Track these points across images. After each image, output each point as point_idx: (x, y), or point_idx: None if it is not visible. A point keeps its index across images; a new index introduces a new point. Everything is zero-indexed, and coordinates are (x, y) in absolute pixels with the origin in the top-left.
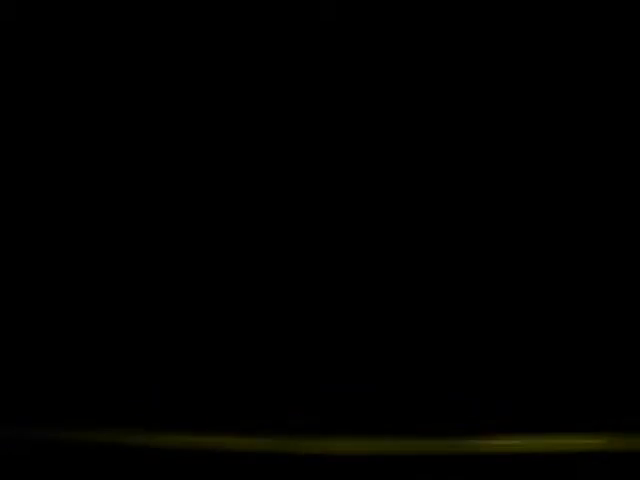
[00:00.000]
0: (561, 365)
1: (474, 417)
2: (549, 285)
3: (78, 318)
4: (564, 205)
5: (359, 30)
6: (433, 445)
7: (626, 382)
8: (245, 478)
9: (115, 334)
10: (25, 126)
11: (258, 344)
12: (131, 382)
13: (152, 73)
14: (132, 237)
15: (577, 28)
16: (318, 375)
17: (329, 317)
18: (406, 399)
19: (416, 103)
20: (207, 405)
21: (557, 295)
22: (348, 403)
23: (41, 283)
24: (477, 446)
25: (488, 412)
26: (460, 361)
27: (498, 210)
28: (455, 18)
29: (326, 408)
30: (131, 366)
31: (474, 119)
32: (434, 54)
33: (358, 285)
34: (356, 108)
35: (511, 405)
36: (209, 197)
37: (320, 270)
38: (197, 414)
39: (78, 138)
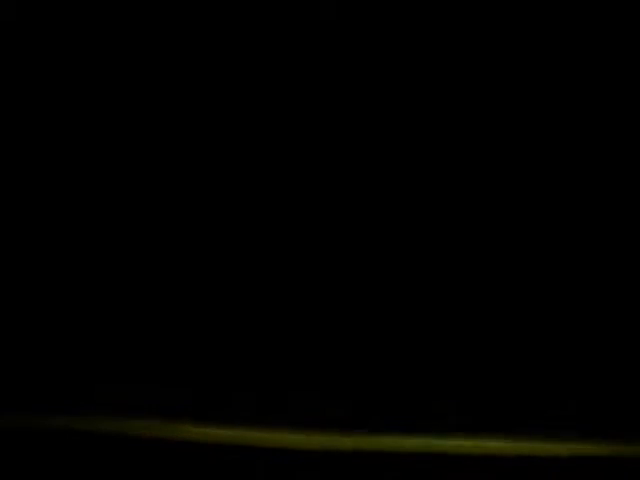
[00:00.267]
0: (554, 367)
1: (470, 417)
2: (543, 285)
3: (82, 309)
4: (564, 205)
5: (359, 29)
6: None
7: (618, 385)
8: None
9: (116, 328)
10: (25, 126)
11: (257, 340)
12: (132, 374)
13: (152, 73)
14: (132, 235)
15: (577, 28)
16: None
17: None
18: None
19: (417, 102)
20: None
21: (553, 294)
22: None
23: (43, 277)
24: (473, 447)
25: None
26: (459, 361)
27: (498, 209)
28: (456, 17)
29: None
30: (131, 358)
31: (474, 119)
32: (435, 53)
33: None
34: (356, 107)
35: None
36: (209, 196)
37: (315, 271)
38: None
39: (78, 138)
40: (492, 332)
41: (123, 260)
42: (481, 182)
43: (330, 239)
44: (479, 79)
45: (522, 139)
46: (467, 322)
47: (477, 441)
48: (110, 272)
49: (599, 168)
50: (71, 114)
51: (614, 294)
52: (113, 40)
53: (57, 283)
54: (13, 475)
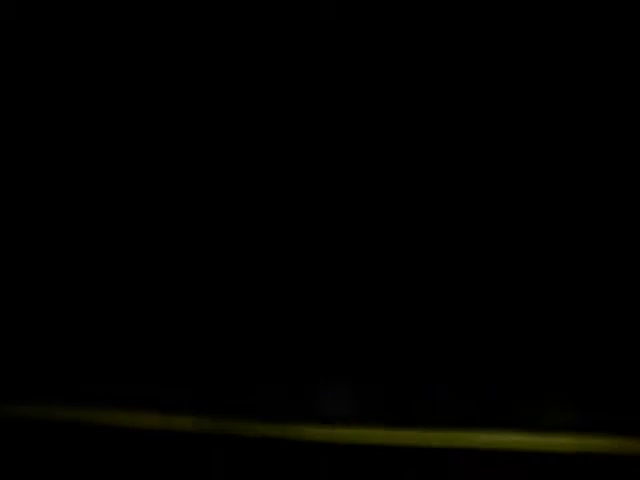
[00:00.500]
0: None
1: (472, 411)
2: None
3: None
4: (564, 205)
5: (359, 29)
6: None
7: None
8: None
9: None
10: (25, 125)
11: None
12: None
13: (152, 73)
14: (131, 233)
15: (577, 28)
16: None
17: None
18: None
19: (416, 102)
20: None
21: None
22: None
23: (46, 276)
24: (472, 440)
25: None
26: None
27: (497, 209)
28: (455, 17)
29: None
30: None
31: (474, 119)
32: (434, 53)
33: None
34: (356, 107)
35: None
36: (209, 195)
37: (313, 270)
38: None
39: (78, 137)
40: (497, 326)
41: (135, 257)
42: (481, 182)
43: (330, 239)
44: (479, 79)
45: (522, 139)
46: (472, 315)
47: (490, 435)
48: (124, 271)
49: (599, 168)
50: (71, 114)
51: (616, 291)
52: (113, 40)
53: (58, 284)
54: (20, 464)
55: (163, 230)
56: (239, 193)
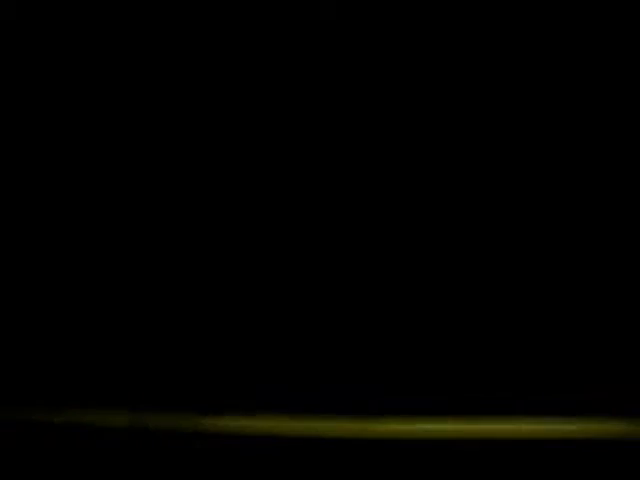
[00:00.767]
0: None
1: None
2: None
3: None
4: (564, 205)
5: (359, 29)
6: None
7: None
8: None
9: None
10: (25, 125)
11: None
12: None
13: (152, 73)
14: (132, 234)
15: (577, 28)
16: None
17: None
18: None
19: (416, 102)
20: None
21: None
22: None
23: (46, 277)
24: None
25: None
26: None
27: (497, 209)
28: (455, 17)
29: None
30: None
31: (474, 119)
32: (434, 53)
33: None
34: (356, 107)
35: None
36: (209, 196)
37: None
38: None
39: (78, 137)
40: (507, 316)
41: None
42: (481, 182)
43: (330, 240)
44: (479, 80)
45: (522, 139)
46: (480, 309)
47: (483, 424)
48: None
49: (599, 168)
50: (71, 113)
51: (619, 282)
52: (113, 40)
53: (60, 286)
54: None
55: (165, 234)
56: (241, 194)
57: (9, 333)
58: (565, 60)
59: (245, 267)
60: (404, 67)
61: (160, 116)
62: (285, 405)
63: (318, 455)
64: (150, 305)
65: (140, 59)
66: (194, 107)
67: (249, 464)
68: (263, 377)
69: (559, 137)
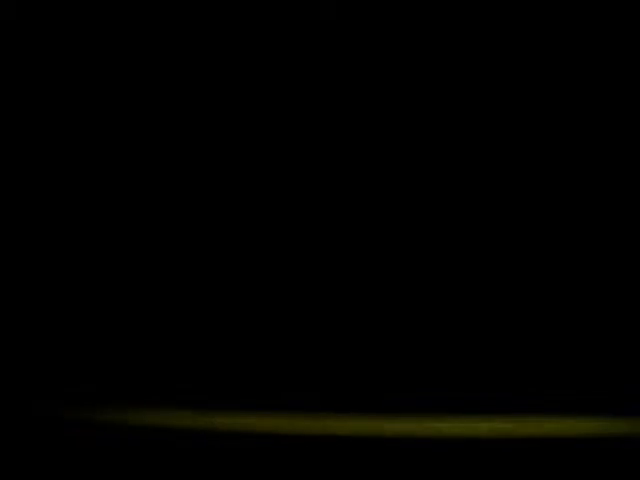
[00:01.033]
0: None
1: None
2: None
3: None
4: (564, 205)
5: (359, 29)
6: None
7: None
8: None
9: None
10: (25, 125)
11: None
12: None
13: (152, 72)
14: (132, 233)
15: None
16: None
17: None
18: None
19: (416, 103)
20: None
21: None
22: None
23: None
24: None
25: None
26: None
27: (496, 209)
28: (455, 18)
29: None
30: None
31: (474, 119)
32: (434, 54)
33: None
34: (356, 107)
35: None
36: (209, 196)
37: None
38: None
39: (78, 137)
40: (510, 313)
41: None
42: (481, 182)
43: (330, 241)
44: (479, 80)
45: (522, 140)
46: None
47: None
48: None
49: (599, 168)
50: (71, 112)
51: (622, 279)
52: (113, 39)
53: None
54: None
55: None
56: (241, 194)
57: (11, 333)
58: (565, 60)
59: (245, 268)
60: (404, 67)
61: (160, 116)
62: (291, 404)
63: (324, 454)
64: (151, 305)
65: (140, 59)
66: (194, 107)
67: (257, 463)
68: (264, 376)
69: (559, 137)
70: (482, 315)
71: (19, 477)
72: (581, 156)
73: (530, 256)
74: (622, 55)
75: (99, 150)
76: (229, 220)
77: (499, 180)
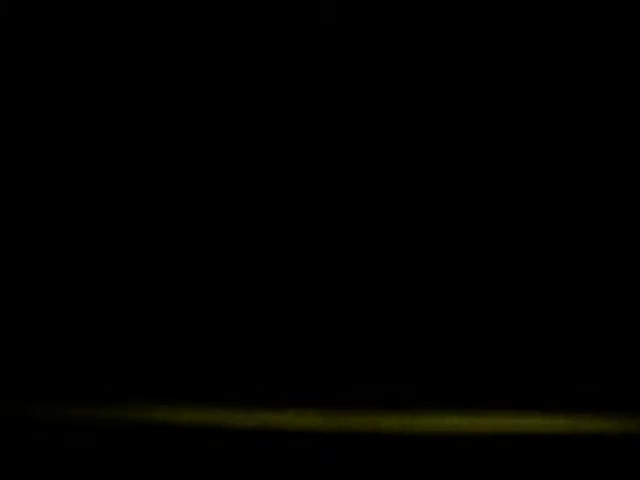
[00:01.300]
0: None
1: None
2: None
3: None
4: (564, 203)
5: (359, 31)
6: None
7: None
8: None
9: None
10: (26, 122)
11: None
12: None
13: (152, 72)
14: (132, 233)
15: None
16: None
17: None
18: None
19: (416, 103)
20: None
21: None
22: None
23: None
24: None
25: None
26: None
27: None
28: (455, 18)
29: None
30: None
31: (474, 119)
32: (434, 54)
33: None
34: (356, 108)
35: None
36: (209, 195)
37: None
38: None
39: (78, 135)
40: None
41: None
42: (481, 182)
43: (330, 242)
44: (479, 80)
45: (522, 140)
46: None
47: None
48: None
49: (599, 168)
50: (71, 112)
51: (621, 279)
52: (113, 39)
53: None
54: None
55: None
56: (241, 193)
57: (11, 333)
58: (565, 60)
59: (246, 268)
60: (404, 67)
61: (160, 116)
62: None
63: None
64: (152, 305)
65: (140, 59)
66: (194, 107)
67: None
68: (270, 373)
69: (559, 137)
70: (467, 315)
71: (19, 477)
72: (581, 156)
73: (498, 245)
74: (622, 55)
75: (99, 150)
76: (234, 220)
77: (499, 180)
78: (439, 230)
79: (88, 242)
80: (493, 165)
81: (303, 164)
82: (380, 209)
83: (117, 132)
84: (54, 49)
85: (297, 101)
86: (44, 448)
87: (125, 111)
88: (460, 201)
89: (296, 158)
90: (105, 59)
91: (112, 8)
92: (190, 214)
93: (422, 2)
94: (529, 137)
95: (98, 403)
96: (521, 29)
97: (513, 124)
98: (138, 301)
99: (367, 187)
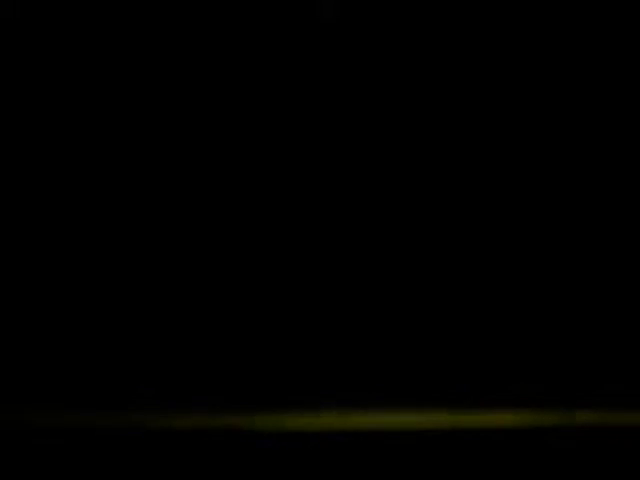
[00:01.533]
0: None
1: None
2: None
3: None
4: (563, 204)
5: (359, 31)
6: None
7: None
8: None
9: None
10: (26, 122)
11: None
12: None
13: (152, 72)
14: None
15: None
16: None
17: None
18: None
19: (416, 103)
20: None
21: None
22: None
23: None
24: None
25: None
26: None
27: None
28: (454, 19)
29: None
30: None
31: (474, 119)
32: (434, 55)
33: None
34: (356, 108)
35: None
36: (208, 195)
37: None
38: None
39: (78, 135)
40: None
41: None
42: (481, 183)
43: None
44: (479, 81)
45: (522, 140)
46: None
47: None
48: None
49: (599, 168)
50: (71, 111)
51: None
52: (113, 39)
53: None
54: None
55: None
56: (242, 193)
57: (10, 340)
58: (565, 60)
59: (247, 269)
60: (404, 67)
61: (160, 116)
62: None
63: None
64: (155, 305)
65: (140, 58)
66: (194, 107)
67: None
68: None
69: (558, 137)
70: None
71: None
72: (581, 156)
73: (477, 243)
74: (622, 55)
75: (99, 150)
76: (240, 221)
77: (499, 180)
78: (424, 228)
79: (89, 254)
80: (493, 165)
81: (303, 163)
82: (380, 209)
83: (117, 132)
84: (54, 49)
85: (297, 100)
86: (42, 454)
87: (125, 111)
88: (460, 201)
89: (296, 157)
90: (105, 59)
91: (112, 8)
92: (197, 220)
93: (422, 2)
94: (529, 137)
95: (102, 410)
96: (521, 29)
97: (513, 124)
98: (139, 304)
99: (367, 187)
